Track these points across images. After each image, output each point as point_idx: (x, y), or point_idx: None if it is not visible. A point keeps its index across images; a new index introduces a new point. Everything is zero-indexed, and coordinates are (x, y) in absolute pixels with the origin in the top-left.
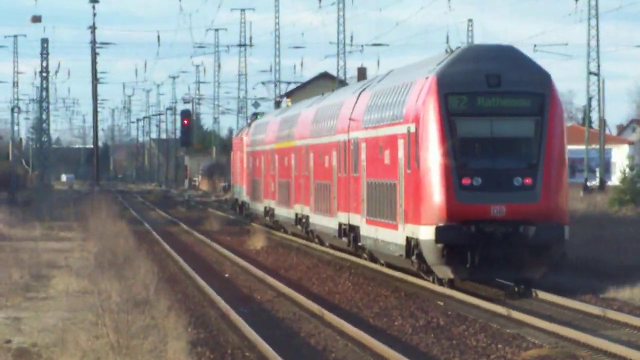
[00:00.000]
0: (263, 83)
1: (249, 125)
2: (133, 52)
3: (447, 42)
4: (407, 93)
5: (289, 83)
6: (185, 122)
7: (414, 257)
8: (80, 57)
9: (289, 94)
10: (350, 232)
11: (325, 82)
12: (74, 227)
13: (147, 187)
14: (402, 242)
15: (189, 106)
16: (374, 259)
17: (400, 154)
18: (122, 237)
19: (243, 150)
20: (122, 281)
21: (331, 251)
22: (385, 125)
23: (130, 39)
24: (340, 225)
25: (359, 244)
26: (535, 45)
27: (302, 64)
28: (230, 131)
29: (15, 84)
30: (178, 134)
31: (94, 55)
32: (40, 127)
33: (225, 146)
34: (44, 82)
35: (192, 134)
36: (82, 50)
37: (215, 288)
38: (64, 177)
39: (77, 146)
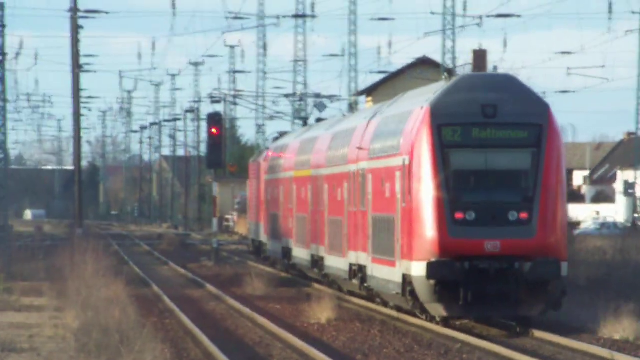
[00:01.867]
0: (331, 99)
1: (268, 148)
2: (135, 26)
3: (610, 10)
4: (405, 123)
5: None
6: (215, 131)
7: (408, 295)
8: (54, 32)
9: (370, 91)
10: (359, 272)
11: (426, 71)
12: (45, 290)
13: (157, 229)
14: (399, 279)
15: (220, 108)
16: (386, 302)
17: (398, 187)
18: (118, 305)
19: (261, 179)
20: None
21: (433, 327)
22: (386, 157)
23: (130, 6)
24: (350, 266)
25: (366, 284)
26: None
27: (390, 45)
28: None
29: None
30: (203, 149)
31: (75, 29)
32: None
33: None
34: None
35: (225, 150)
36: (58, 21)
37: None
38: (29, 214)
39: (49, 167)
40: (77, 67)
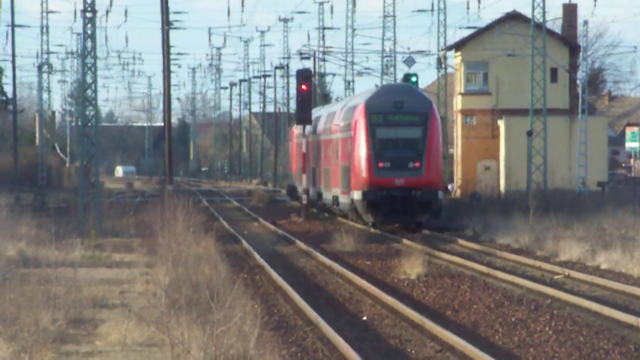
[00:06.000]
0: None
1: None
2: None
3: None
4: (354, 111)
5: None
6: (304, 87)
7: (353, 211)
8: None
9: (459, 46)
10: (336, 200)
11: (516, 26)
12: (135, 246)
13: (246, 185)
14: (350, 202)
15: (309, 64)
16: (351, 219)
17: (350, 148)
18: (208, 261)
19: (293, 141)
20: (207, 328)
21: (524, 283)
22: (346, 131)
23: None
24: (333, 197)
25: (337, 207)
26: None
27: (479, 0)
28: None
29: (44, 30)
30: (293, 106)
31: None
32: (83, 95)
33: None
34: (89, 27)
35: (314, 106)
36: None
37: (349, 339)
38: (120, 171)
39: (139, 124)
40: (166, 24)
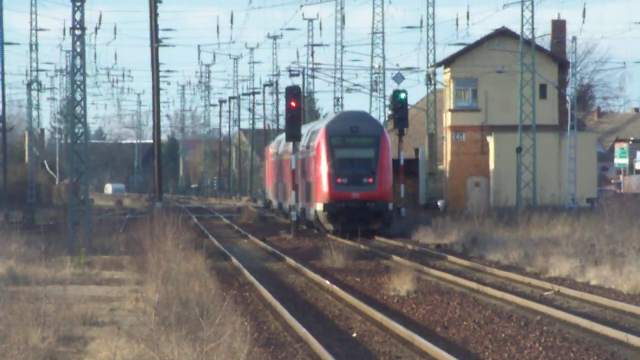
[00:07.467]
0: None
1: (273, 139)
2: (212, 0)
3: None
4: (317, 134)
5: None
6: (293, 104)
7: (316, 220)
8: (132, 6)
9: (448, 62)
10: (303, 211)
11: (505, 42)
12: (125, 263)
13: (236, 202)
14: (313, 212)
15: (298, 81)
16: (316, 228)
17: (313, 166)
18: (198, 278)
19: (269, 159)
20: (197, 345)
21: (512, 298)
22: (310, 151)
23: None
24: (301, 208)
25: (304, 217)
26: None
27: (468, 17)
28: None
29: (33, 48)
30: (282, 123)
31: (154, 3)
32: (72, 112)
33: None
34: (78, 44)
35: (303, 123)
36: None
37: (339, 355)
38: (109, 188)
39: (128, 141)
40: (155, 41)
